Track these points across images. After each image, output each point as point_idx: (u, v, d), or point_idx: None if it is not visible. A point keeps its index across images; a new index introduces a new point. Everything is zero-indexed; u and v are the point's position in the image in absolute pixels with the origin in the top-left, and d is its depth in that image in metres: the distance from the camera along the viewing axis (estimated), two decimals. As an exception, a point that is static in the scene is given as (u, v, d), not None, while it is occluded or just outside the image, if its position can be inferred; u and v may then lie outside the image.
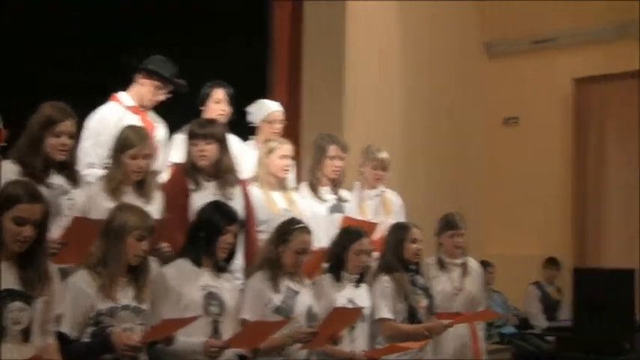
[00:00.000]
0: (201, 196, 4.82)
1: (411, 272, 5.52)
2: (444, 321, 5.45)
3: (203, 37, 7.36)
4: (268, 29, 8.02)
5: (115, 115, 5.27)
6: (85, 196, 4.47)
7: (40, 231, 3.54)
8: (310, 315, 4.77)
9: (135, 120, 5.24)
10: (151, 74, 5.40)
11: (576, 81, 10.02)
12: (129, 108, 5.36)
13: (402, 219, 6.03)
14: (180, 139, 5.42)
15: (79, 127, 4.70)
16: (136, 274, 4.01)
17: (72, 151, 4.49)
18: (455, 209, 6.27)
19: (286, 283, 4.73)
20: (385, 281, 5.39)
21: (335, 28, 8.19)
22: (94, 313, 3.85)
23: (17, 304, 3.50)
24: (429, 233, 5.92)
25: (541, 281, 9.53)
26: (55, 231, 4.12)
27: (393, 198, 6.21)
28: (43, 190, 3.96)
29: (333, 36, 8.19)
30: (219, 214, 4.42)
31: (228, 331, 4.33)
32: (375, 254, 5.54)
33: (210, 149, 4.95)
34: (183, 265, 4.35)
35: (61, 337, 3.76)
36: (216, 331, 4.28)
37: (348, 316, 4.96)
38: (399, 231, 5.57)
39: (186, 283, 4.27)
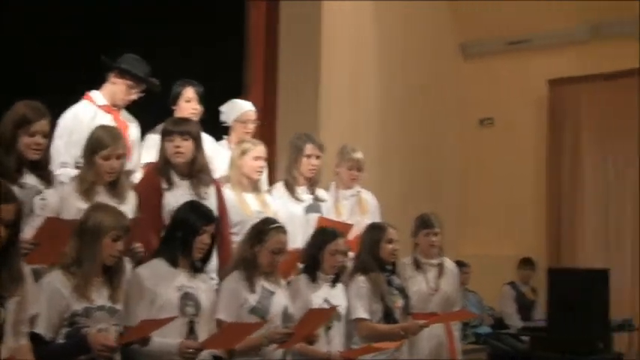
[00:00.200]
0: (175, 196, 4.81)
1: (387, 272, 5.52)
2: (419, 321, 5.46)
3: (178, 37, 7.33)
4: (244, 29, 8.00)
5: (87, 113, 5.24)
6: (57, 196, 4.44)
7: (13, 231, 3.50)
8: (286, 315, 4.76)
9: (107, 119, 5.22)
10: (123, 73, 5.37)
11: (551, 82, 10.06)
12: (101, 107, 5.33)
13: (377, 219, 6.03)
14: (153, 139, 5.40)
15: (53, 126, 4.66)
16: (111, 274, 3.99)
17: (46, 151, 4.45)
18: (430, 209, 6.28)
19: (262, 284, 4.72)
20: (361, 281, 5.39)
21: (310, 28, 8.19)
22: (69, 314, 3.83)
23: (-11, 305, 3.47)
24: (405, 233, 5.92)
25: (516, 281, 9.56)
26: (28, 231, 4.08)
27: (369, 198, 6.22)
28: (16, 190, 3.92)
29: (308, 36, 8.18)
30: (195, 215, 4.40)
31: (203, 331, 4.31)
32: (351, 254, 5.54)
33: (186, 145, 4.94)
34: (159, 265, 4.33)
35: (36, 338, 3.73)
36: (191, 332, 4.27)
37: (323, 315, 4.95)
38: (375, 231, 5.57)
39: (163, 283, 4.25)
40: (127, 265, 4.45)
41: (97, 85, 5.43)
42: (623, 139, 9.63)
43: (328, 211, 5.83)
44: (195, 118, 5.62)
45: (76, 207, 4.33)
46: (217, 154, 5.73)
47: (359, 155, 6.08)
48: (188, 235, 4.33)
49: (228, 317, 4.51)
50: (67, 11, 6.79)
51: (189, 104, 5.77)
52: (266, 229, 4.76)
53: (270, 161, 6.11)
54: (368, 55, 8.92)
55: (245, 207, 5.38)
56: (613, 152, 9.72)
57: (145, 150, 5.53)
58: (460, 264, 7.21)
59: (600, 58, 9.49)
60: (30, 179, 4.34)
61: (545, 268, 8.80)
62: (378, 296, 5.39)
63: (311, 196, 5.81)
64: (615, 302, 8.06)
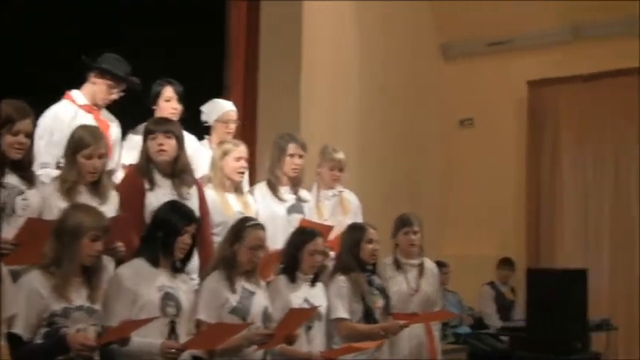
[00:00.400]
0: (157, 196, 4.81)
1: (367, 272, 5.53)
2: (400, 321, 5.47)
3: (158, 37, 7.30)
4: (225, 29, 7.98)
5: (68, 113, 5.22)
6: (39, 196, 4.40)
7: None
8: (266, 316, 4.76)
9: (88, 119, 5.20)
10: (103, 73, 5.36)
11: (530, 83, 10.10)
12: (82, 106, 5.31)
13: (359, 219, 6.05)
14: (135, 140, 5.39)
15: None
16: (90, 274, 3.97)
17: (28, 151, 4.40)
18: (410, 210, 6.30)
19: (242, 284, 4.71)
20: (341, 281, 5.40)
21: (291, 28, 8.18)
22: (48, 314, 3.81)
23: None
24: (385, 234, 5.93)
25: (495, 281, 9.59)
26: (9, 231, 4.06)
27: (351, 198, 6.22)
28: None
29: (289, 36, 8.17)
30: (177, 215, 4.39)
31: (183, 332, 4.30)
32: (332, 254, 5.55)
33: (169, 144, 4.94)
34: (140, 265, 4.32)
35: (14, 339, 3.71)
36: (173, 332, 4.26)
37: (304, 315, 4.96)
38: (355, 231, 5.59)
39: (144, 283, 4.24)
40: (110, 264, 4.45)
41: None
42: (602, 140, 9.70)
43: (310, 212, 5.84)
44: (175, 118, 5.61)
45: (58, 207, 4.30)
46: (199, 153, 5.73)
47: (340, 155, 6.09)
48: (169, 236, 4.32)
49: (209, 317, 4.51)
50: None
51: (168, 103, 5.76)
52: (244, 226, 4.77)
53: (251, 161, 6.10)
54: (348, 56, 8.92)
55: (227, 207, 5.39)
56: (592, 153, 9.78)
57: (125, 151, 5.52)
58: (440, 264, 7.23)
59: (580, 59, 9.53)
60: (12, 179, 4.30)
61: (524, 268, 8.83)
62: (358, 296, 5.40)
63: (293, 197, 5.81)
64: (594, 302, 8.12)
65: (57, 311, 3.81)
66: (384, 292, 5.60)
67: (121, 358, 4.09)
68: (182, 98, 5.81)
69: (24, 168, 4.37)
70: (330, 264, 5.53)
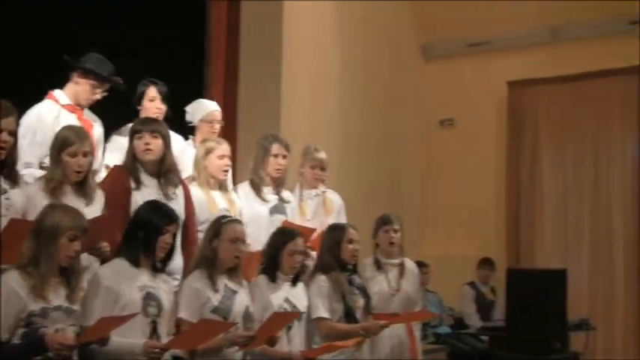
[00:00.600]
0: (143, 195, 4.79)
1: (348, 272, 5.53)
2: (380, 321, 5.47)
3: (140, 36, 7.27)
4: (205, 28, 7.96)
5: (51, 113, 5.20)
6: (23, 196, 4.37)
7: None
8: (247, 315, 4.75)
9: (71, 118, 5.18)
10: (87, 73, 5.33)
11: (510, 84, 10.14)
12: (65, 106, 5.29)
13: (343, 219, 6.05)
14: (119, 141, 5.37)
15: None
16: (68, 274, 3.95)
17: (12, 150, 4.35)
18: (391, 210, 6.32)
19: (225, 282, 4.70)
20: (322, 281, 5.40)
21: (272, 28, 8.16)
22: (26, 314, 3.78)
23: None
24: (366, 234, 5.93)
25: (476, 281, 9.61)
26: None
27: (335, 198, 6.21)
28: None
29: (269, 36, 8.15)
30: (157, 214, 4.37)
31: (165, 332, 4.29)
32: (314, 254, 5.54)
33: (156, 143, 4.93)
34: (121, 265, 4.29)
35: (-8, 340, 3.68)
36: (154, 332, 4.24)
37: (287, 318, 4.97)
38: (335, 232, 5.59)
39: (125, 283, 4.21)
40: (95, 264, 4.43)
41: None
42: (582, 141, 9.76)
43: (292, 212, 5.84)
44: (160, 117, 5.60)
45: (43, 206, 4.26)
46: (186, 154, 5.74)
47: (322, 155, 6.09)
48: (150, 235, 4.30)
49: (190, 316, 4.49)
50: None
51: (153, 103, 5.77)
52: (220, 223, 4.78)
53: (232, 161, 6.09)
54: (329, 56, 8.92)
55: (212, 205, 5.39)
56: (572, 153, 9.83)
57: (109, 153, 5.51)
58: (420, 264, 7.23)
59: (560, 60, 9.59)
60: (-6, 179, 4.27)
61: (505, 268, 8.86)
62: (338, 295, 5.40)
63: (276, 197, 5.82)
64: (573, 302, 8.13)
65: (35, 311, 3.78)
66: (364, 291, 5.60)
67: (100, 358, 4.07)
68: (166, 98, 5.80)
69: (7, 167, 4.33)
70: (311, 264, 5.53)
